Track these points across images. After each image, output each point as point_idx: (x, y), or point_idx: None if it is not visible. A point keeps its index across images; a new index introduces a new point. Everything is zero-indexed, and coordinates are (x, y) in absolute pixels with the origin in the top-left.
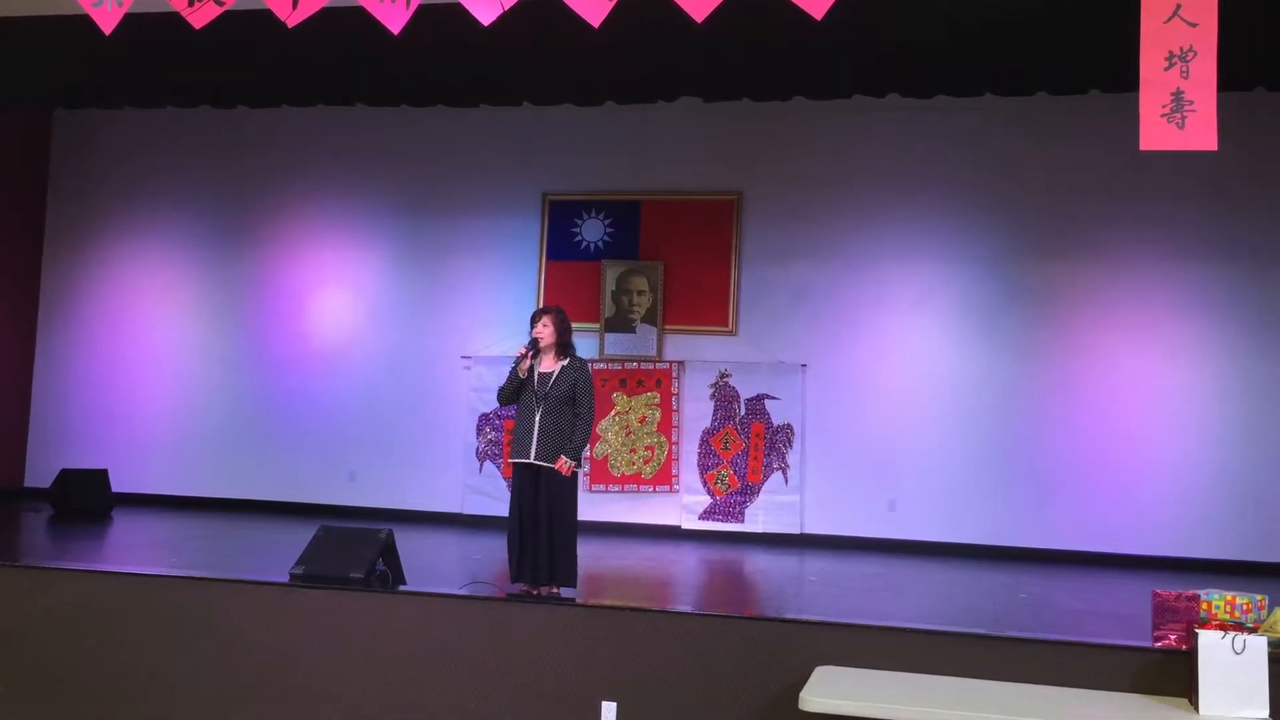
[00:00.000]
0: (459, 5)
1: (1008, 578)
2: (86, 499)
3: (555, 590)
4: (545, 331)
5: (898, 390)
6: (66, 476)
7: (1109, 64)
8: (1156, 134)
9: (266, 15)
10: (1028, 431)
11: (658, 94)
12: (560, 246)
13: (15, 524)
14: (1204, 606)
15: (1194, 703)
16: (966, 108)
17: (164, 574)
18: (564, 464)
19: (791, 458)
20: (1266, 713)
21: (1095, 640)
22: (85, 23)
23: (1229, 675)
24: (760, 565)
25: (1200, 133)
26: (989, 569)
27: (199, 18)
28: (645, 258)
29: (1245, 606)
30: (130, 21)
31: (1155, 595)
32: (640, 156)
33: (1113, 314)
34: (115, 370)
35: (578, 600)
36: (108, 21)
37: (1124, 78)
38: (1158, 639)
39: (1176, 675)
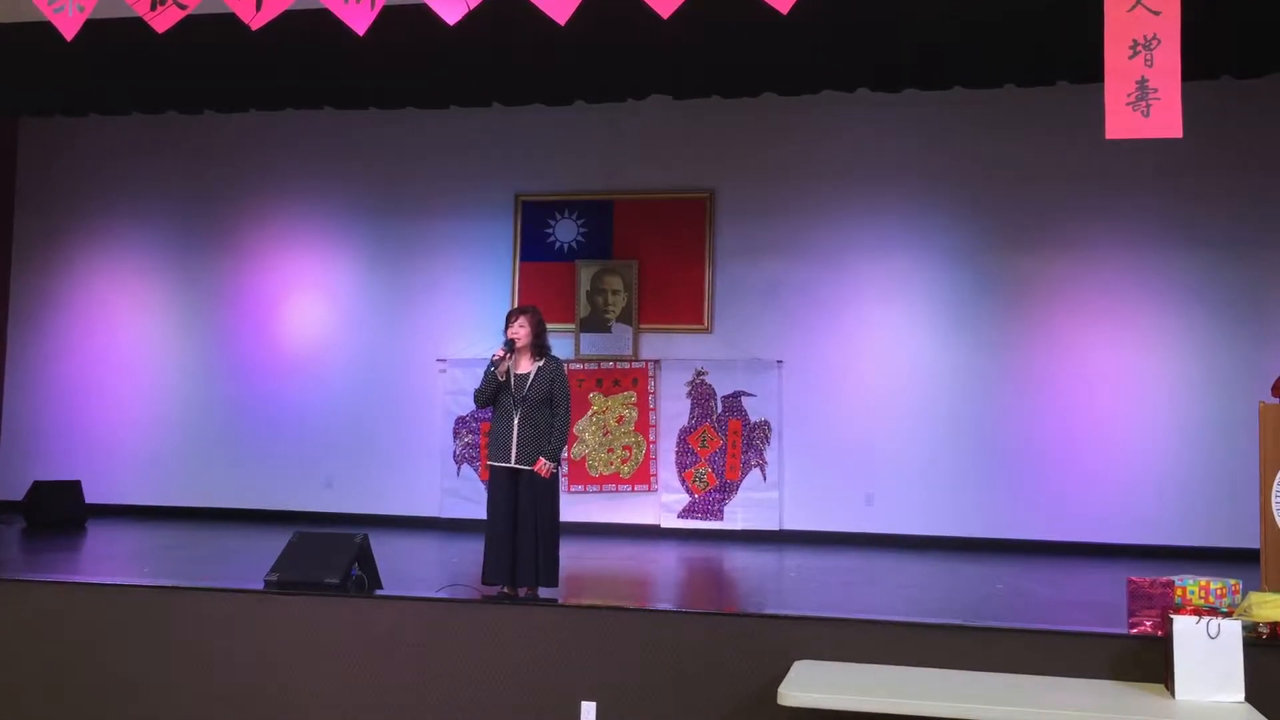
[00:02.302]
0: (424, 5)
1: (984, 569)
2: (59, 510)
3: (534, 591)
4: (521, 332)
5: (873, 384)
6: (39, 488)
7: (1075, 55)
8: (1122, 122)
9: (231, 19)
10: (1001, 423)
11: (627, 93)
12: (533, 247)
13: None
14: (1178, 592)
15: (1170, 688)
16: (935, 101)
17: (139, 584)
18: (543, 466)
19: (769, 454)
20: (1242, 696)
21: (1072, 628)
22: (47, 29)
23: (1204, 660)
24: (739, 562)
25: (1165, 120)
26: (965, 561)
27: (162, 22)
28: (619, 257)
29: (1219, 591)
30: (92, 27)
31: (1130, 582)
32: (612, 156)
33: (1084, 304)
34: (87, 380)
35: (558, 600)
36: (69, 27)
37: (1091, 68)
38: (1133, 625)
39: (1152, 661)
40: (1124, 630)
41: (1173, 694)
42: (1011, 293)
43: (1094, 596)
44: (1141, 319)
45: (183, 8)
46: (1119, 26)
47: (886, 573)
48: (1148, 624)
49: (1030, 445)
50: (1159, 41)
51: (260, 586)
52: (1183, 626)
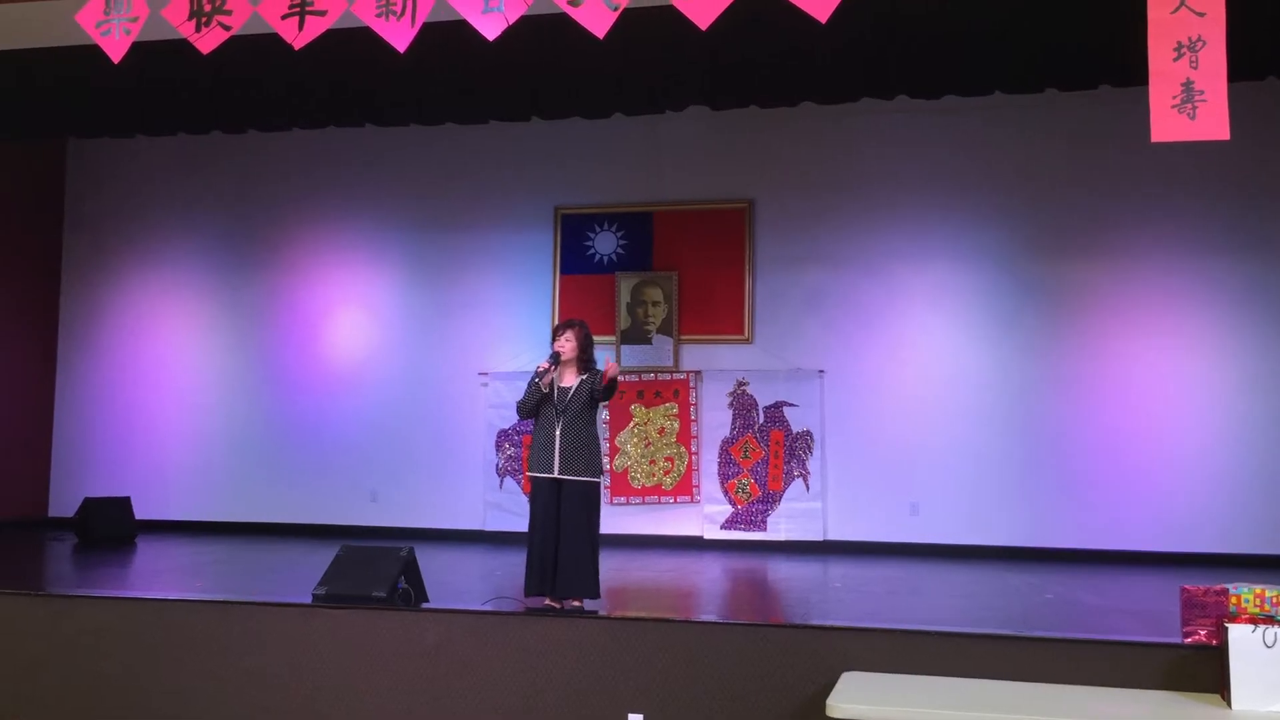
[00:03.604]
0: (464, 22)
1: (1032, 578)
2: (109, 527)
3: (578, 603)
4: (567, 345)
5: (916, 393)
6: (89, 505)
7: (1118, 58)
8: (1168, 125)
9: (273, 38)
10: (1048, 430)
11: (666, 104)
12: (574, 260)
13: (40, 553)
14: (1233, 601)
15: (1226, 698)
16: (976, 106)
17: (188, 599)
18: (612, 368)
19: (812, 464)
20: None
21: (1124, 638)
22: (95, 52)
23: (1261, 669)
24: (784, 573)
25: (1212, 123)
26: (1013, 570)
27: (206, 43)
28: (659, 268)
29: (1275, 599)
30: (139, 49)
31: (1184, 591)
32: (650, 167)
33: (1130, 309)
34: (135, 398)
35: (601, 613)
36: (116, 50)
37: (1134, 71)
38: (1187, 635)
39: (1208, 671)
40: (1178, 640)
41: (1229, 704)
42: (1055, 299)
43: (1145, 605)
44: (1187, 323)
45: (227, 29)
46: (1163, 28)
47: (933, 583)
48: (1202, 633)
49: (1077, 452)
50: (1204, 43)
51: (309, 600)
52: (1239, 635)
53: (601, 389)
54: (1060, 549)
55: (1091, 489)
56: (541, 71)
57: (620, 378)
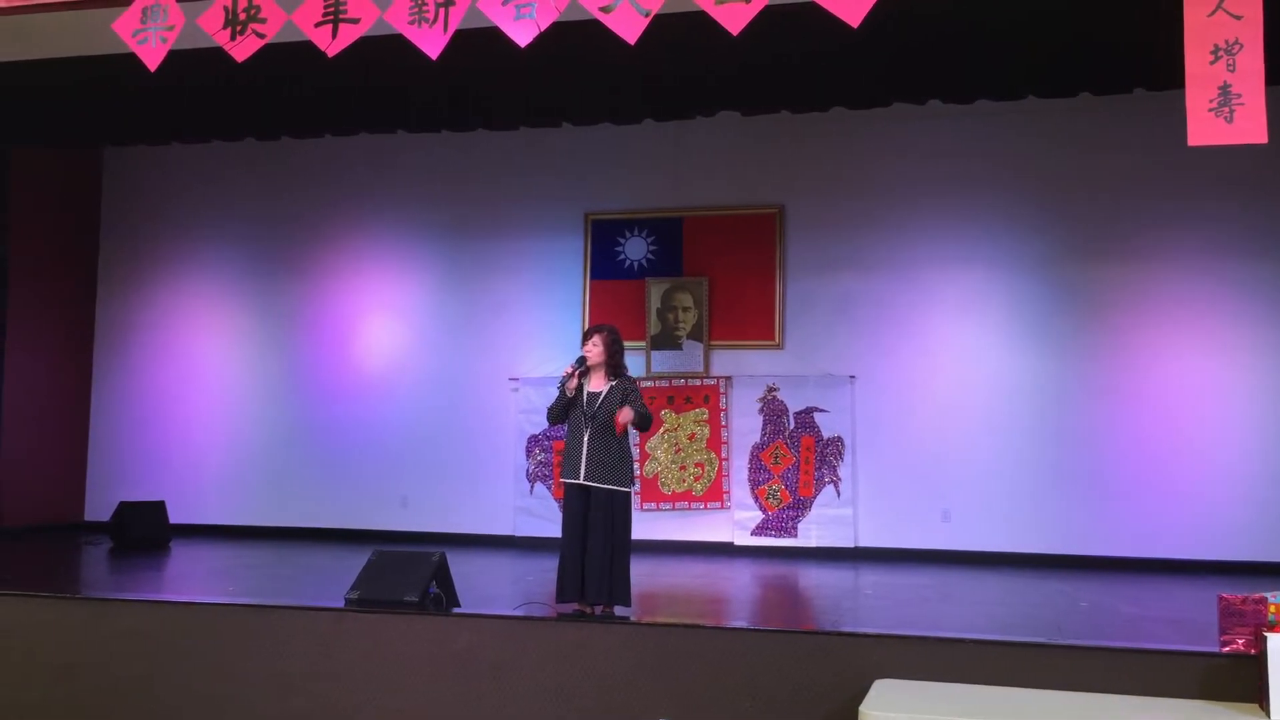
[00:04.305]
0: (496, 28)
1: (1066, 586)
2: (144, 531)
3: (609, 609)
4: (594, 351)
5: (948, 398)
6: (124, 509)
7: (1153, 61)
8: (1205, 129)
9: (307, 46)
10: (1081, 436)
11: (696, 109)
12: (604, 265)
13: (76, 557)
14: (1272, 609)
15: (1265, 708)
16: (1008, 111)
17: (221, 602)
18: (623, 414)
19: (843, 470)
20: None
21: (1160, 646)
22: (131, 60)
23: None
24: (815, 580)
25: (1249, 126)
26: (1046, 577)
27: (241, 50)
28: (689, 274)
29: None
30: (174, 57)
31: (1221, 599)
32: (680, 173)
33: (1164, 314)
34: (170, 403)
35: (632, 619)
36: (153, 58)
37: (1169, 74)
38: (1225, 644)
39: (1246, 680)
40: (1215, 649)
41: (1268, 714)
42: (1089, 304)
43: (1182, 614)
44: (1223, 328)
45: (261, 36)
46: (1199, 31)
47: (965, 590)
48: (1240, 642)
49: (1111, 458)
50: (1241, 46)
51: (341, 604)
52: (1277, 644)
53: (635, 418)
54: (1095, 556)
55: (1126, 495)
56: (572, 77)
57: (650, 383)
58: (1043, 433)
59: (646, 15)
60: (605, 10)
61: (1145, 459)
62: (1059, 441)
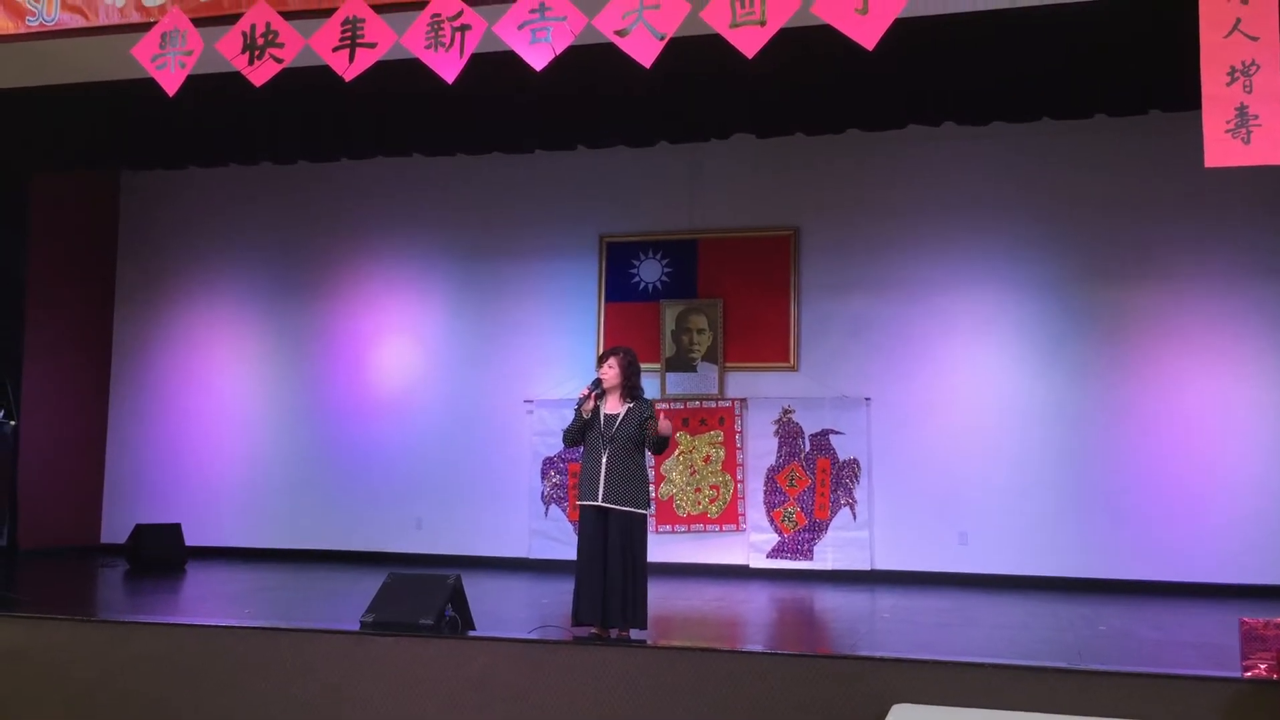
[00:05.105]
0: (511, 52)
1: (1085, 610)
2: (161, 553)
3: (625, 633)
4: (610, 373)
5: (964, 420)
6: (141, 531)
7: (1169, 82)
8: (1221, 150)
9: (325, 70)
10: (1099, 458)
11: (710, 132)
12: (619, 288)
13: (93, 579)
14: None
15: None
16: (1023, 133)
17: (238, 625)
18: (663, 424)
19: (859, 493)
20: None
21: (1181, 671)
22: (149, 85)
23: None
24: (831, 603)
25: (1267, 147)
26: (1065, 601)
27: (259, 75)
28: (704, 296)
29: None
30: (192, 82)
31: (1243, 624)
32: (695, 195)
33: (1180, 336)
34: (186, 425)
35: (648, 642)
36: (171, 83)
37: (1185, 96)
38: (1247, 669)
39: (1268, 706)
40: (1237, 674)
41: None
42: (1105, 326)
43: (1203, 638)
44: (1240, 349)
45: (279, 61)
46: (1216, 52)
47: (983, 614)
48: (1262, 667)
49: (1130, 480)
50: (1258, 67)
51: (356, 627)
52: None
53: (652, 440)
54: (1114, 580)
55: (1146, 518)
56: (587, 101)
57: (664, 405)
58: (1060, 454)
59: (661, 39)
60: (620, 34)
61: (1165, 481)
62: (1077, 463)
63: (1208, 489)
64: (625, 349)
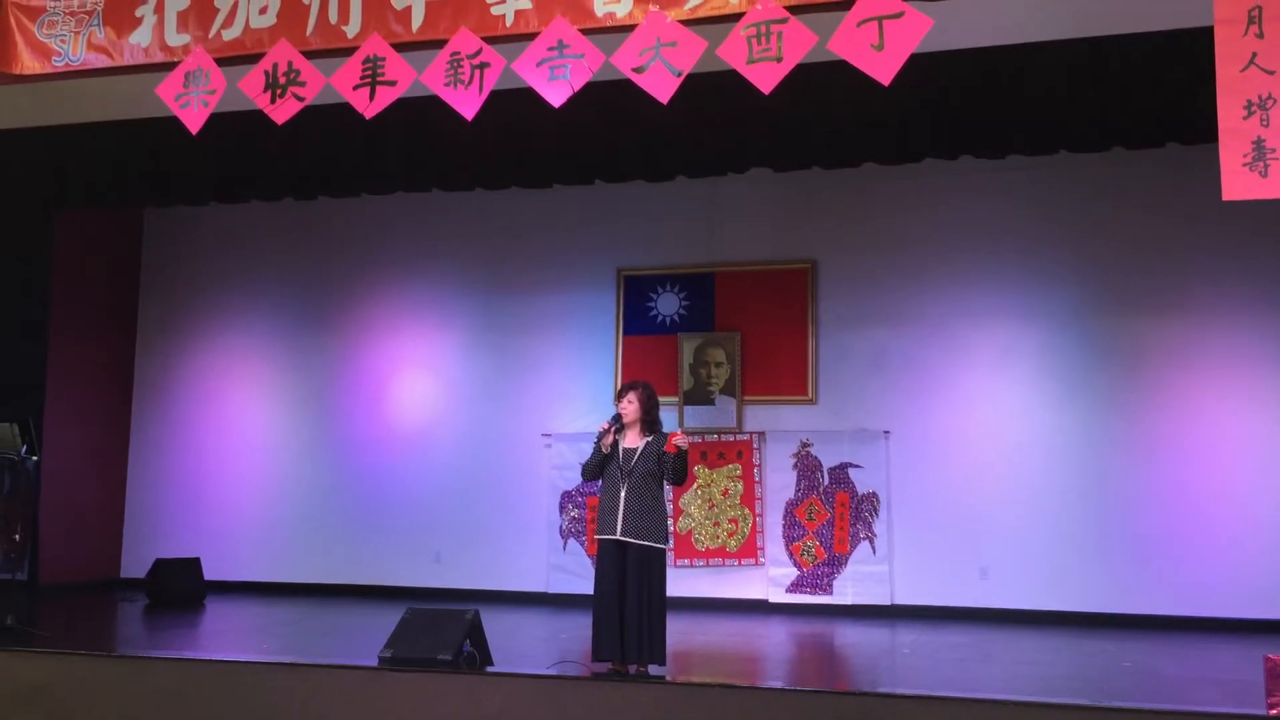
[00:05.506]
0: (530, 89)
1: (1108, 645)
2: (180, 587)
3: (643, 668)
4: (630, 408)
5: (984, 453)
6: (160, 566)
7: (1186, 116)
8: (1239, 184)
9: (345, 108)
10: (1121, 491)
11: (728, 166)
12: (636, 321)
13: (112, 614)
14: None
15: None
16: (1041, 165)
17: (256, 660)
18: (678, 437)
19: (878, 527)
20: None
21: (1206, 709)
22: (173, 123)
23: None
24: (851, 638)
25: None
26: (1088, 637)
27: (281, 113)
28: (721, 329)
29: None
30: (215, 120)
31: (1267, 660)
32: (712, 228)
33: (1202, 368)
34: (205, 460)
35: (667, 678)
36: (194, 121)
37: (1202, 129)
38: (1272, 706)
39: None
40: (1262, 711)
41: None
42: (1126, 357)
43: (1228, 675)
44: (1263, 382)
45: (301, 99)
46: (1233, 86)
47: (1005, 649)
48: None
49: (1153, 515)
50: (1275, 101)
51: (374, 663)
52: None
53: (670, 468)
54: (1137, 615)
55: (1169, 552)
56: (605, 136)
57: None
58: (1081, 488)
59: (679, 75)
60: (638, 71)
61: (1188, 515)
62: (1098, 497)
63: (1232, 523)
64: (644, 383)
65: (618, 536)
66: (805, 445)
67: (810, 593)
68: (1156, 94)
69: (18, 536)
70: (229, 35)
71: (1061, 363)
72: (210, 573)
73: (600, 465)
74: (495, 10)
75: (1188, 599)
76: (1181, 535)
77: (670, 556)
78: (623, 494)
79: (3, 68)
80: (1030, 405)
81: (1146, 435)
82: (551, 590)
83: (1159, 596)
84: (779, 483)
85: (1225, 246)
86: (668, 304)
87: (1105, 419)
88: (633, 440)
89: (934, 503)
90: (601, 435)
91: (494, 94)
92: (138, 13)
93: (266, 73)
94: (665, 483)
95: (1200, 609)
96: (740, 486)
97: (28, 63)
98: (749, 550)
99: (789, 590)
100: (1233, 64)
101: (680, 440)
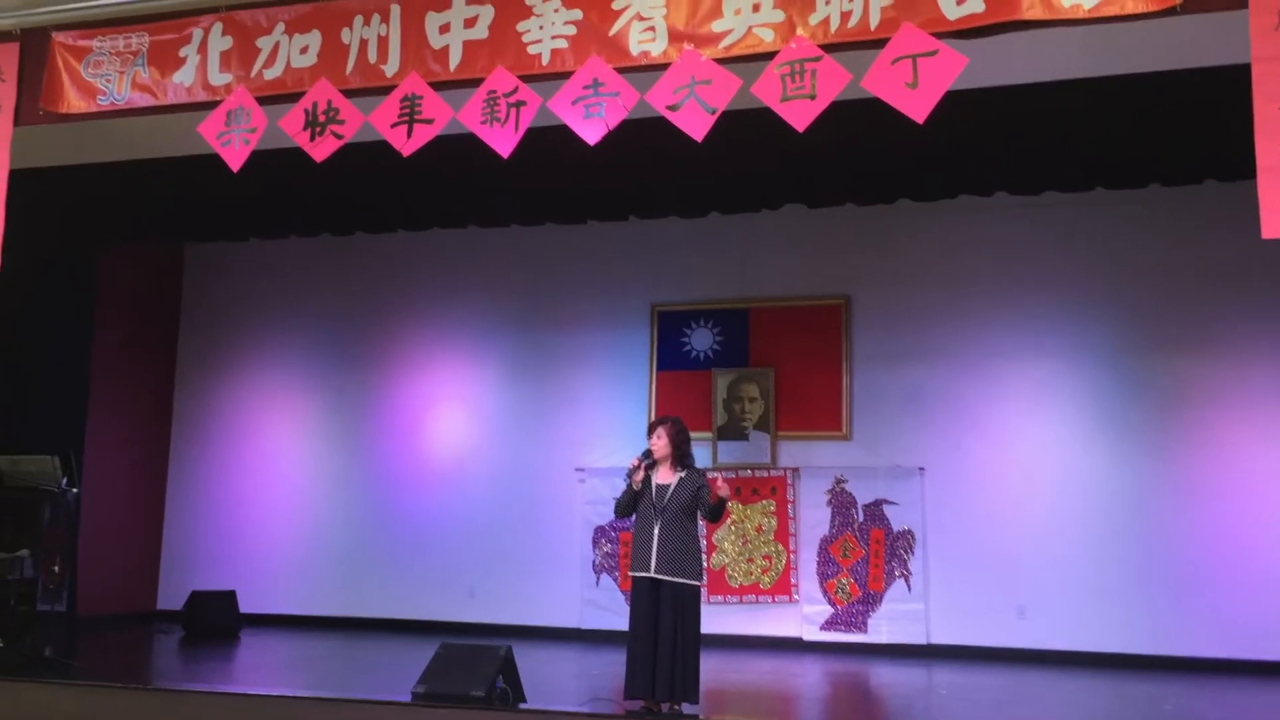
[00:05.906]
0: (565, 126)
1: (1148, 687)
2: (215, 620)
3: (676, 706)
4: (659, 444)
5: (1021, 491)
6: (196, 598)
7: (1224, 153)
8: (1279, 221)
9: (383, 145)
10: (1161, 530)
11: (761, 202)
12: (670, 356)
13: (148, 646)
14: None
15: None
16: (1077, 202)
17: (291, 694)
18: (721, 487)
19: (914, 564)
20: None
21: None
22: (214, 161)
23: None
24: (886, 678)
25: None
26: (1127, 678)
27: (320, 151)
28: (755, 365)
29: None
30: (255, 158)
31: None
32: (747, 264)
33: (1241, 406)
34: (242, 493)
35: (701, 716)
36: (236, 159)
37: (1240, 165)
38: None
39: None
40: None
41: None
42: (1163, 395)
43: (1271, 718)
44: None
45: (339, 137)
46: (1270, 123)
47: (1043, 691)
48: None
49: (1193, 554)
50: None
51: (408, 699)
52: None
53: (708, 508)
54: (1178, 656)
55: (1210, 593)
56: (640, 172)
57: (715, 474)
58: (1120, 526)
59: (713, 113)
60: (672, 109)
61: (1228, 554)
62: (1136, 535)
63: (1274, 563)
64: (673, 418)
65: (651, 574)
66: (840, 481)
67: (845, 630)
68: (1194, 131)
69: (57, 568)
70: (270, 75)
71: (1098, 400)
72: (245, 605)
73: (632, 502)
74: (531, 49)
75: (1230, 640)
76: (1223, 575)
77: (704, 593)
78: (656, 530)
79: (50, 107)
80: (1067, 443)
81: (1186, 473)
82: (585, 626)
83: (1200, 638)
84: (813, 519)
85: (1264, 284)
86: (701, 339)
87: (1143, 457)
88: (665, 476)
89: (970, 540)
90: (632, 472)
91: (530, 130)
92: (181, 53)
93: (306, 111)
94: (701, 518)
95: (1242, 651)
96: (774, 523)
97: (74, 102)
98: (783, 587)
99: (823, 628)
100: (1271, 101)
101: (723, 490)
